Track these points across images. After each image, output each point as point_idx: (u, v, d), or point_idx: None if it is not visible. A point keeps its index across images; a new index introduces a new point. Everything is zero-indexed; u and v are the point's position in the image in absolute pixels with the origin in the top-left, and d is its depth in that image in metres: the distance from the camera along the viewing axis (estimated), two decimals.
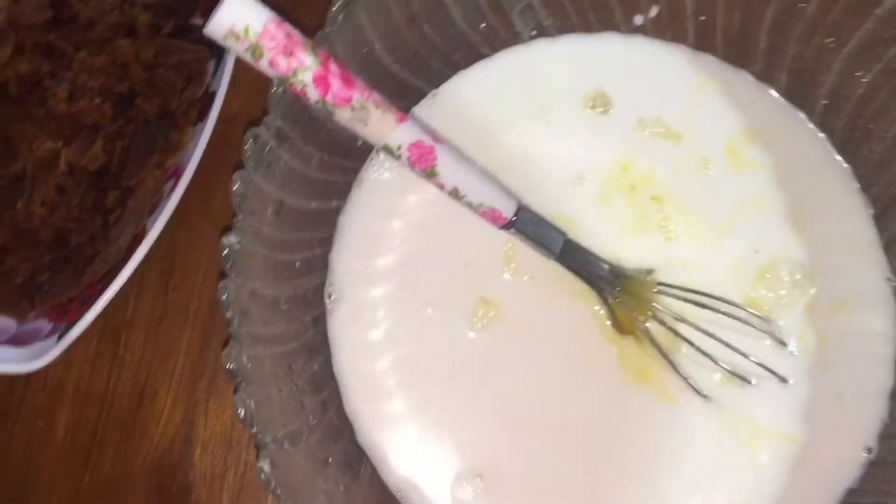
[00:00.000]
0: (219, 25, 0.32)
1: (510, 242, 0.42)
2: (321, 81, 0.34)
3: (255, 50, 0.33)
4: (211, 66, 0.48)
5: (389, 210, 0.43)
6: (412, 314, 0.42)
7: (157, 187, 0.45)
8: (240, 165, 0.35)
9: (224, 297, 0.34)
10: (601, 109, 0.45)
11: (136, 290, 0.48)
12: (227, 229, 0.34)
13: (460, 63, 0.45)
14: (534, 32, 0.46)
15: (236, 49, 0.33)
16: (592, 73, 0.45)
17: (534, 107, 0.45)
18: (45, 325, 0.44)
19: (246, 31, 0.32)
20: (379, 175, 0.44)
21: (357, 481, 0.39)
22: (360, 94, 0.35)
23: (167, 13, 0.49)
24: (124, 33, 0.47)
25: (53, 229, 0.44)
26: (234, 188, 0.35)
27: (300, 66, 0.34)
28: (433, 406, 0.41)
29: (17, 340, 0.44)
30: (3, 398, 0.46)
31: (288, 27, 0.33)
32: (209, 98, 0.46)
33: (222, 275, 0.34)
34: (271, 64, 0.33)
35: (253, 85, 0.47)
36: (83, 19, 0.46)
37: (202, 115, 0.46)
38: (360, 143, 0.42)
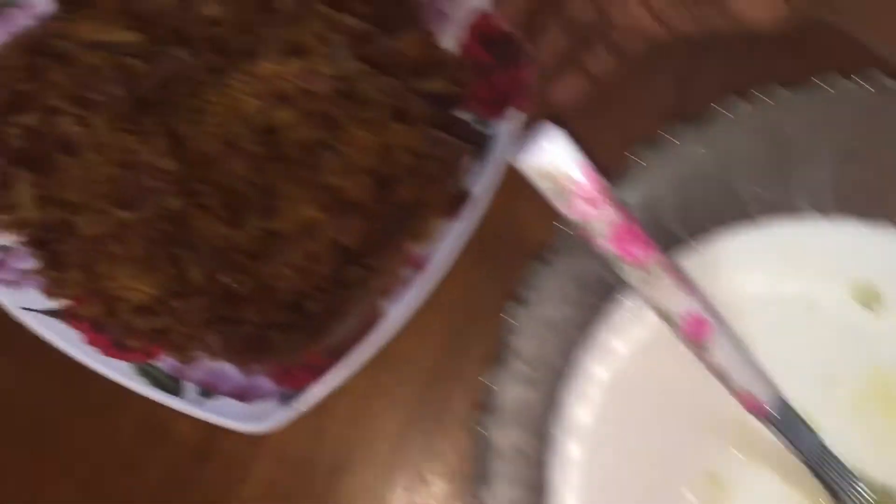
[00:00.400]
0: (532, 160, 0.32)
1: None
2: (619, 237, 0.33)
3: (561, 193, 0.33)
4: (470, 162, 0.49)
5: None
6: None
7: (397, 273, 0.46)
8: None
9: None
10: (871, 307, 0.41)
11: None
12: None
13: (725, 219, 0.43)
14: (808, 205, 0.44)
15: (540, 185, 0.33)
16: (865, 263, 0.42)
17: (794, 286, 0.42)
18: (266, 383, 0.45)
19: (557, 172, 0.32)
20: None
21: None
22: (653, 259, 0.34)
23: (438, 103, 0.50)
24: (398, 117, 0.48)
25: (294, 293, 0.45)
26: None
27: (601, 218, 0.33)
28: None
29: (238, 393, 0.45)
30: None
31: (597, 177, 0.33)
32: (463, 195, 0.47)
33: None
34: (572, 209, 0.33)
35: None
36: (363, 97, 0.48)
37: (453, 211, 0.46)
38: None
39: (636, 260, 0.34)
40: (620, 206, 0.33)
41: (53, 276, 0.48)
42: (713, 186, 0.42)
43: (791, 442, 0.38)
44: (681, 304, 0.35)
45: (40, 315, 0.47)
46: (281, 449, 0.47)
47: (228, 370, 0.47)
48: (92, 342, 0.47)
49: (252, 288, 0.46)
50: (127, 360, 0.46)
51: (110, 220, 0.45)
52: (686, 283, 0.35)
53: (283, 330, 0.46)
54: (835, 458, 0.38)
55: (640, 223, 0.34)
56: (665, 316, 0.35)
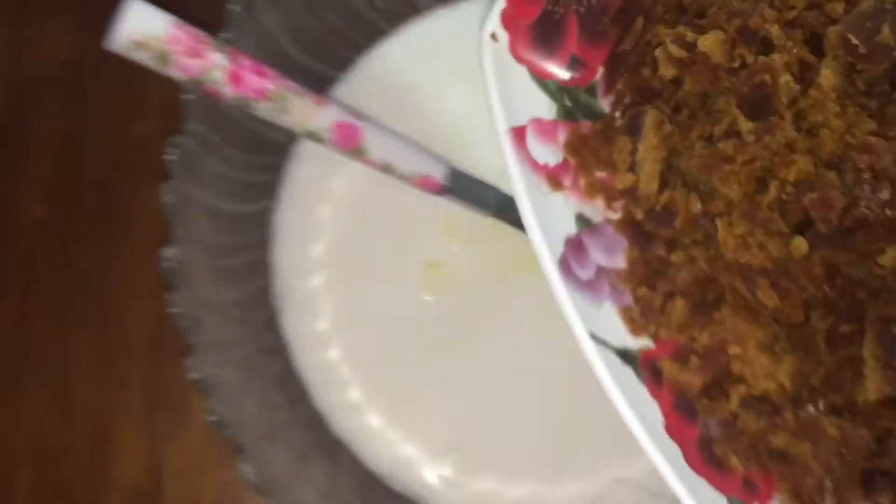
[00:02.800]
0: (121, 37, 0.32)
1: (449, 208, 0.42)
2: (235, 78, 0.34)
3: (163, 56, 0.33)
4: None
5: (318, 199, 0.43)
6: (359, 296, 0.42)
7: None
8: (164, 177, 0.34)
9: (176, 310, 0.33)
10: None
11: (72, 330, 0.46)
12: (164, 243, 0.34)
13: (363, 44, 0.45)
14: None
15: (142, 58, 0.33)
16: None
17: (447, 73, 0.45)
18: None
19: (150, 39, 0.32)
20: (302, 167, 0.43)
21: (340, 470, 0.39)
22: (275, 85, 0.35)
23: None
24: None
25: None
26: (166, 199, 0.34)
27: (211, 66, 0.33)
28: (397, 385, 0.41)
29: None
30: None
31: (191, 29, 0.33)
32: None
33: (170, 288, 0.33)
34: (181, 68, 0.33)
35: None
36: None
37: None
38: (282, 138, 0.42)
39: (262, 93, 0.34)
40: (225, 49, 0.34)
41: (643, 294, 0.30)
42: (333, 15, 0.43)
43: (476, 204, 0.41)
44: (322, 119, 0.36)
45: (608, 352, 0.29)
46: (37, 446, 0.44)
47: None
48: (671, 430, 0.28)
49: None
50: (719, 487, 0.28)
51: (781, 249, 0.27)
52: (318, 98, 0.36)
53: None
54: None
55: (252, 58, 0.35)
56: (315, 137, 0.36)
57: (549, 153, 0.32)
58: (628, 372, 0.29)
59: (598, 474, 0.41)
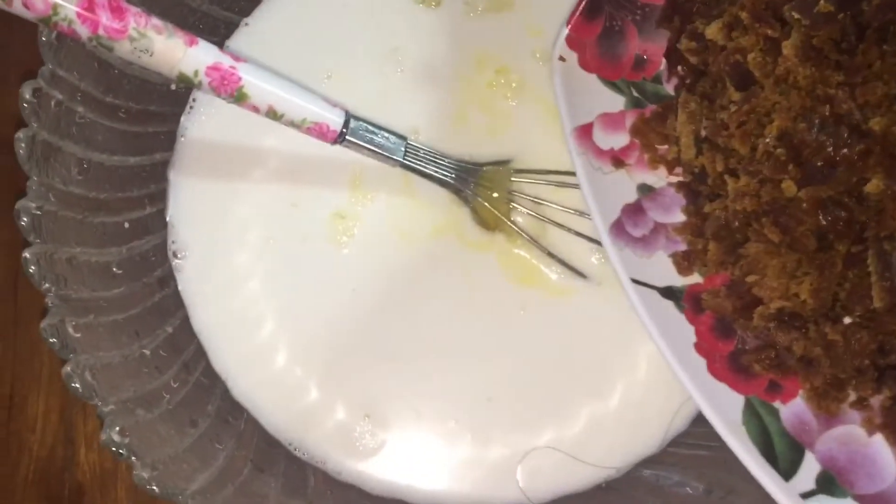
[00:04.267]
0: None
1: (358, 161, 0.40)
2: (87, 15, 0.31)
3: None
4: None
5: (222, 151, 0.40)
6: (269, 252, 0.40)
7: None
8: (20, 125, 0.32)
9: (31, 269, 0.31)
10: (434, 3, 0.42)
11: None
12: (21, 195, 0.31)
13: None
14: None
15: None
16: None
17: (357, 16, 0.42)
18: None
19: None
20: (201, 116, 0.41)
21: (238, 437, 0.36)
22: (136, 22, 0.32)
23: None
24: None
25: None
26: (20, 150, 0.31)
27: (59, 2, 0.30)
28: (307, 344, 0.39)
29: None
30: None
31: None
32: None
33: (25, 244, 0.31)
34: (26, 5, 0.30)
35: None
36: None
37: None
38: (173, 85, 0.39)
39: (120, 32, 0.32)
40: None
41: (690, 240, 0.37)
42: None
43: (383, 154, 0.38)
44: (194, 61, 0.33)
45: (650, 291, 0.35)
46: None
47: (883, 459, 0.31)
48: (701, 348, 0.34)
49: None
50: (740, 390, 0.33)
51: (773, 192, 0.32)
52: (189, 37, 0.33)
53: None
54: (425, 149, 0.39)
55: None
56: (187, 81, 0.33)
57: (614, 140, 0.39)
58: (668, 305, 0.35)
59: (524, 437, 0.39)
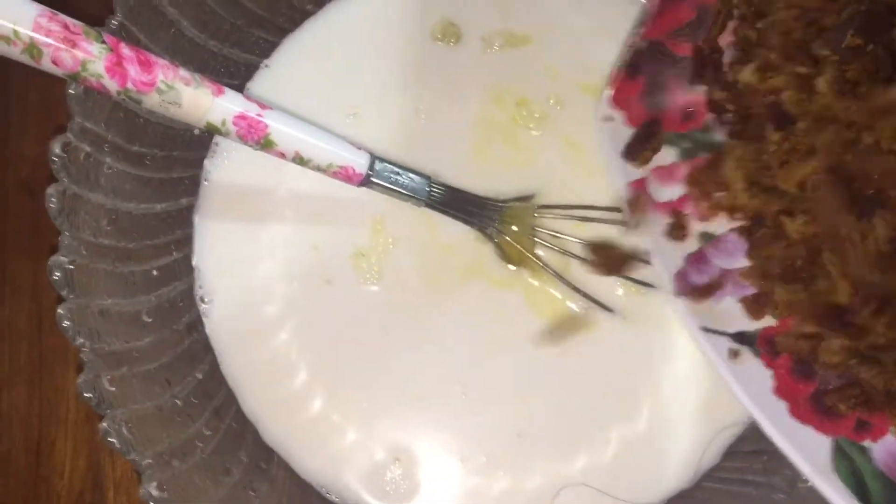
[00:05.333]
0: None
1: (378, 201, 0.40)
2: (116, 69, 0.31)
3: (33, 50, 0.30)
4: None
5: (246, 195, 0.41)
6: (294, 297, 0.40)
7: None
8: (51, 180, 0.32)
9: (65, 324, 0.31)
10: (452, 41, 0.42)
11: (7, 340, 0.44)
12: (53, 250, 0.31)
13: (286, 27, 0.42)
14: None
15: (10, 53, 0.30)
16: (434, 6, 0.43)
17: (378, 54, 0.42)
18: None
19: (15, 31, 0.29)
20: (224, 161, 0.41)
21: (270, 482, 0.36)
22: (164, 75, 0.32)
23: None
24: None
25: None
26: (51, 205, 0.32)
27: (88, 58, 0.31)
28: (341, 390, 0.39)
29: None
30: None
31: (63, 18, 0.30)
32: None
33: (59, 299, 0.31)
34: (55, 62, 0.30)
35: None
36: None
37: None
38: (197, 130, 0.39)
39: (149, 85, 0.32)
40: (109, 38, 0.31)
41: (759, 284, 0.35)
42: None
43: (408, 195, 0.38)
44: (222, 110, 0.33)
45: (721, 338, 0.35)
46: None
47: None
48: (781, 391, 0.33)
49: None
50: (827, 431, 0.32)
51: (824, 223, 0.32)
52: (216, 87, 0.33)
53: None
54: (450, 187, 0.39)
55: (141, 48, 0.32)
56: (216, 130, 0.33)
57: (669, 192, 0.38)
58: (743, 350, 0.34)
59: (555, 470, 0.39)
